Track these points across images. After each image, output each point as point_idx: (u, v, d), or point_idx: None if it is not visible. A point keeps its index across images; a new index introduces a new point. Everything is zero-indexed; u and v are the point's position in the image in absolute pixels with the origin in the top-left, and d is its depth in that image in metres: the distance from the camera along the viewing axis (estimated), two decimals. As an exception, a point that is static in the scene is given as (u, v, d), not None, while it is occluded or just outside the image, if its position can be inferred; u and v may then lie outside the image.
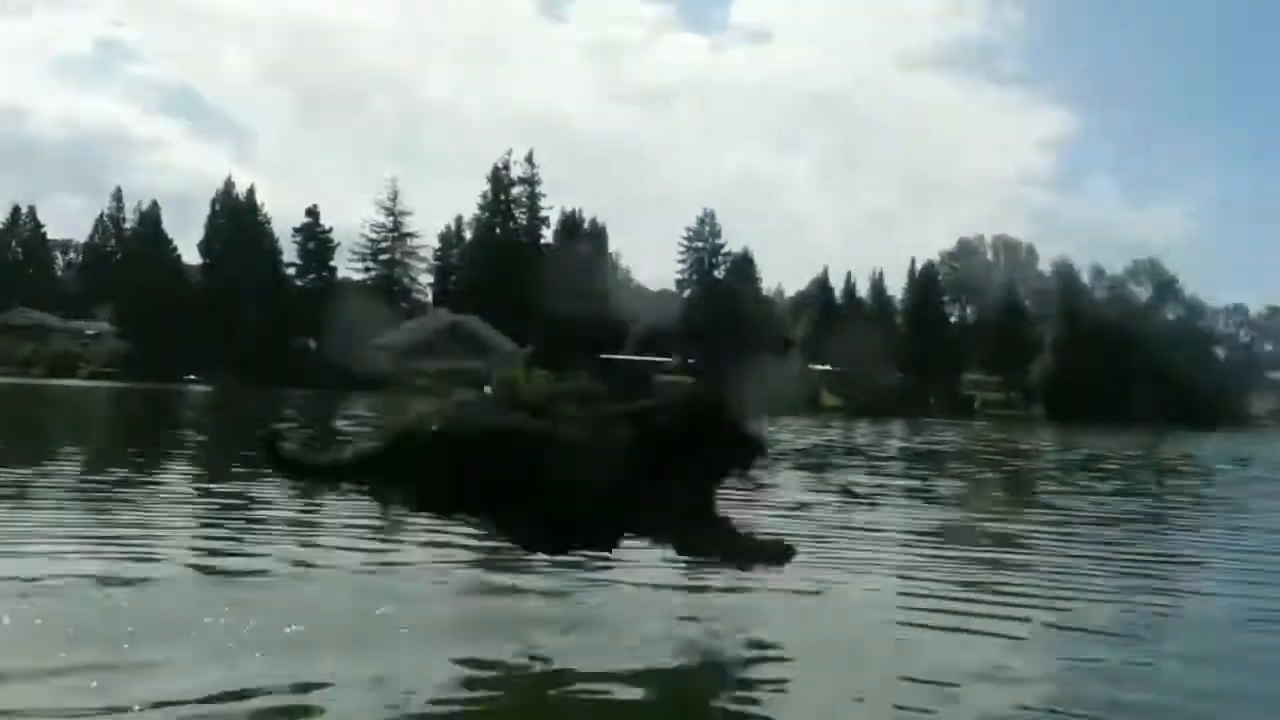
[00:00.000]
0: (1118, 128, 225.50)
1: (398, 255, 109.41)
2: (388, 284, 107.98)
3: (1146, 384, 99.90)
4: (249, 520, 9.39)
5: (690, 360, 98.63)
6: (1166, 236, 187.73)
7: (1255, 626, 6.47)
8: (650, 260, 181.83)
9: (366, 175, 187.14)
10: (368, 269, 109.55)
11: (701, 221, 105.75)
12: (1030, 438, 49.73)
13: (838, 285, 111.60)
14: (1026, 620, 6.28)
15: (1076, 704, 4.72)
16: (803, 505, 12.40)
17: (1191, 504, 18.12)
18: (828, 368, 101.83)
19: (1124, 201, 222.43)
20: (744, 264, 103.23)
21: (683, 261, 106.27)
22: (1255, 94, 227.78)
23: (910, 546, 9.59)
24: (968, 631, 6.20)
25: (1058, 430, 63.91)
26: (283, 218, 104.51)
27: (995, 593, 7.16)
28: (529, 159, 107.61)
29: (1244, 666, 5.50)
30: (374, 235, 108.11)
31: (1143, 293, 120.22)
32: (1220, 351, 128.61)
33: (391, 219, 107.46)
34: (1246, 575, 9.43)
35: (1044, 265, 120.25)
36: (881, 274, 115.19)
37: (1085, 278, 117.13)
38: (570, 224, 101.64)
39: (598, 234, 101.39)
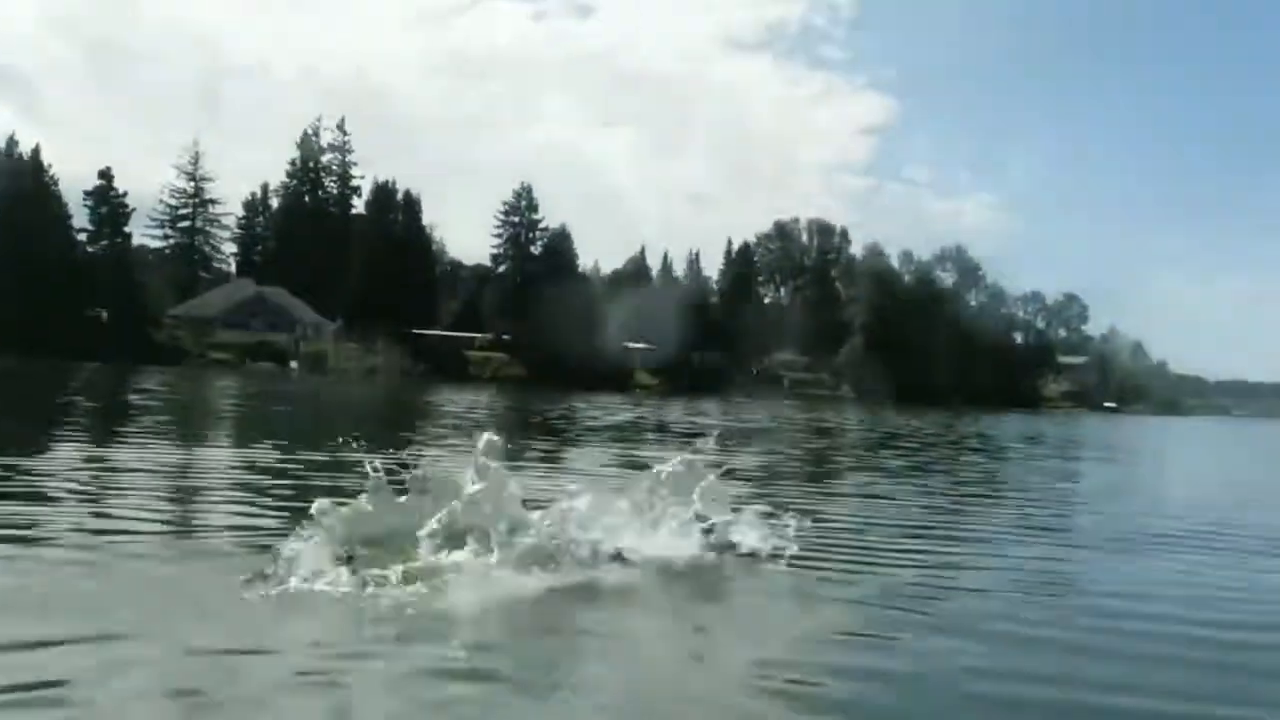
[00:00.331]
0: (934, 117, 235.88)
1: (199, 223, 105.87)
2: (188, 253, 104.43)
3: (949, 366, 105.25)
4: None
5: (505, 336, 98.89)
6: (974, 224, 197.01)
7: (1007, 596, 7.97)
8: (466, 234, 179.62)
9: (165, 137, 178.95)
10: (166, 236, 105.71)
11: (518, 196, 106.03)
12: (836, 416, 52.20)
13: (655, 264, 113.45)
14: (804, 579, 7.70)
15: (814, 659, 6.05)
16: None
17: (979, 478, 20.06)
18: (643, 345, 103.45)
19: (936, 189, 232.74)
20: (561, 240, 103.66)
21: (499, 236, 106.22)
22: (1065, 90, 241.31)
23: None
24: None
25: (864, 410, 67.02)
26: (72, 180, 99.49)
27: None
28: (340, 126, 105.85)
29: (969, 633, 6.66)
30: (173, 201, 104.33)
31: (948, 278, 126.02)
32: (1018, 336, 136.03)
33: (192, 184, 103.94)
34: (1016, 543, 11.20)
35: (856, 249, 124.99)
36: (698, 254, 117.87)
37: (895, 262, 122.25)
38: (383, 195, 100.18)
39: (412, 206, 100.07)
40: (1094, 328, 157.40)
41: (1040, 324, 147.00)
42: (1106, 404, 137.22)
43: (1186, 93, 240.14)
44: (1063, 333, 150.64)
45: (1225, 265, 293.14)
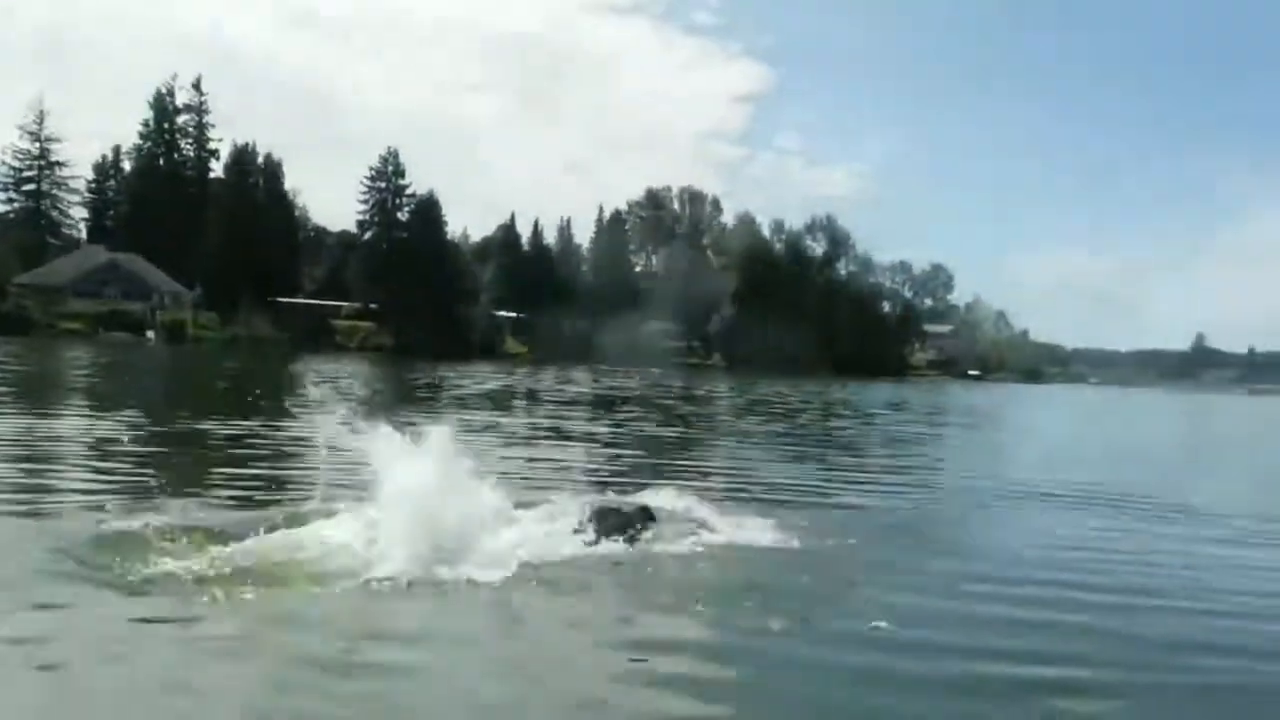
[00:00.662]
0: (808, 85, 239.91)
1: (45, 186, 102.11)
2: (34, 218, 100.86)
3: (819, 335, 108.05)
4: None
5: (372, 305, 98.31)
6: (844, 193, 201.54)
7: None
8: (330, 200, 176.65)
9: (6, 94, 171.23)
10: (10, 200, 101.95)
11: (384, 161, 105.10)
12: (706, 384, 53.82)
13: (525, 231, 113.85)
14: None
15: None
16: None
17: (843, 443, 21.63)
18: (513, 314, 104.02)
19: (808, 158, 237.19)
20: (429, 207, 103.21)
21: (364, 202, 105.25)
22: (934, 61, 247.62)
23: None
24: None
25: (735, 377, 68.96)
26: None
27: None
28: (196, 85, 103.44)
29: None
30: (16, 163, 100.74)
31: (819, 248, 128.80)
32: (886, 305, 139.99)
33: (37, 145, 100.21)
34: (874, 498, 12.31)
35: (728, 218, 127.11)
36: (569, 221, 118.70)
37: (766, 231, 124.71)
38: (242, 158, 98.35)
39: (272, 170, 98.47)
40: (959, 297, 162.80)
41: (907, 293, 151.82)
42: (970, 372, 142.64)
43: (1056, 68, 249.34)
44: (929, 302, 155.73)
45: (1086, 238, 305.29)
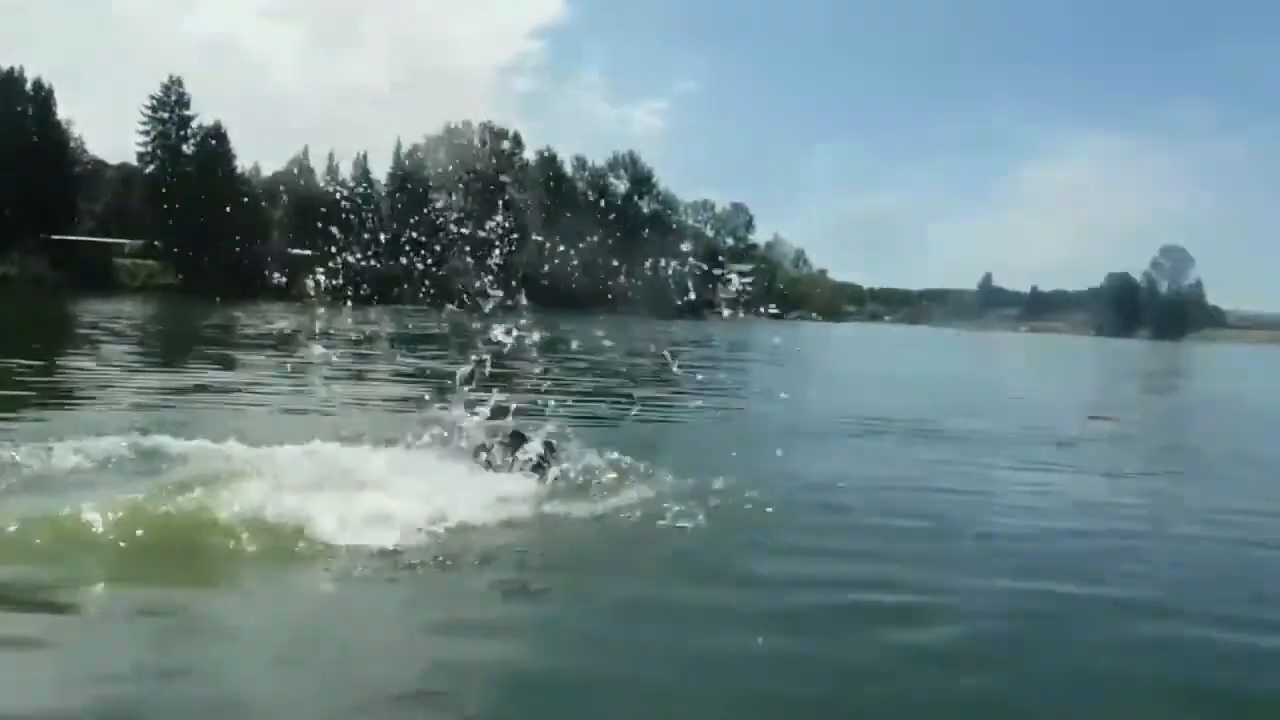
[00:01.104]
0: (607, 21, 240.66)
1: None
2: None
3: (622, 274, 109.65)
4: None
5: (156, 242, 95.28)
6: (645, 131, 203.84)
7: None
8: (107, 131, 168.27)
9: None
10: None
11: (167, 90, 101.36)
12: (507, 322, 54.71)
13: (319, 167, 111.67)
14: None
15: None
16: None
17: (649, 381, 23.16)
18: (308, 252, 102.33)
19: (609, 95, 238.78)
20: (215, 139, 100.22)
21: (145, 134, 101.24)
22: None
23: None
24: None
25: (541, 316, 70.10)
26: None
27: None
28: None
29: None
30: None
31: (622, 185, 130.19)
32: (688, 245, 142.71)
33: None
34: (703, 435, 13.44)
35: (530, 154, 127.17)
36: (366, 156, 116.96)
37: (568, 169, 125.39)
38: (8, 85, 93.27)
39: (43, 97, 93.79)
40: (760, 236, 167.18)
41: (709, 232, 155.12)
42: (771, 311, 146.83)
43: (853, 8, 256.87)
44: (730, 241, 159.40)
45: (882, 178, 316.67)
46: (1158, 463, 12.63)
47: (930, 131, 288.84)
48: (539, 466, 9.34)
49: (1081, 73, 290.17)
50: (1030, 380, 35.21)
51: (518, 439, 9.76)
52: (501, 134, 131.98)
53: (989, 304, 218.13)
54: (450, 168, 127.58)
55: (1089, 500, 9.74)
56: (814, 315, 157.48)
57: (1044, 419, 18.00)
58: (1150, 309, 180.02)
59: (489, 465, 9.42)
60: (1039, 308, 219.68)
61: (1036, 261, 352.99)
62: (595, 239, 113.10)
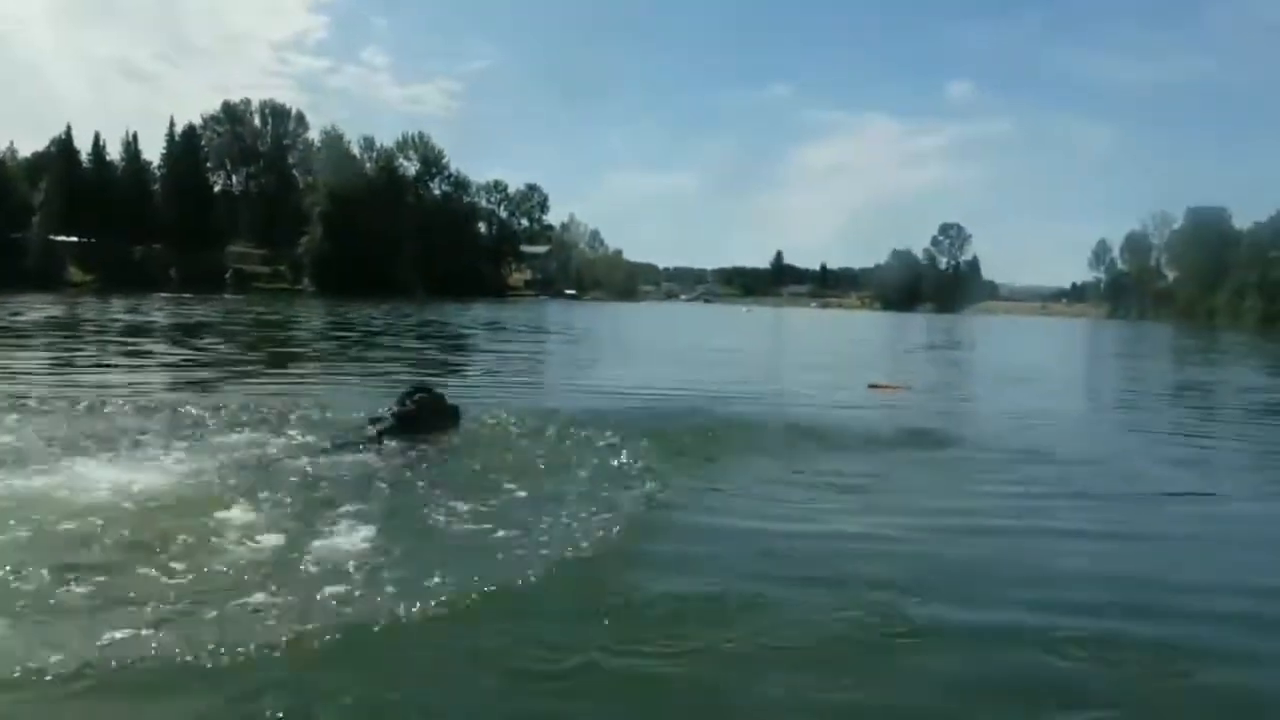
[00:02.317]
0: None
1: None
2: None
3: (413, 256, 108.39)
4: None
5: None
6: (434, 111, 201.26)
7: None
8: None
9: None
10: None
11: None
12: (288, 309, 53.18)
13: (84, 146, 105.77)
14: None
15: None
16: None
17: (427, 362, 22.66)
18: (74, 239, 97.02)
19: (396, 74, 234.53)
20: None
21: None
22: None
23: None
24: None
25: (324, 302, 68.33)
26: None
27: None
28: None
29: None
30: None
31: (411, 166, 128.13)
32: (482, 225, 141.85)
33: None
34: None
35: (314, 134, 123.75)
36: (136, 136, 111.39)
37: (355, 149, 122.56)
38: None
39: None
40: (554, 217, 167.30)
41: (503, 213, 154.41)
42: (567, 291, 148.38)
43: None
44: (524, 223, 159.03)
45: (674, 160, 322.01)
46: (931, 425, 13.06)
47: (719, 113, 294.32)
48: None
49: (857, 56, 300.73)
50: (815, 353, 36.42)
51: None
52: (283, 113, 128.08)
53: (781, 281, 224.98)
54: (229, 149, 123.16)
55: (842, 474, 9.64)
56: (610, 295, 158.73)
57: (826, 388, 18.44)
58: (931, 283, 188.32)
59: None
60: (829, 283, 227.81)
61: (824, 239, 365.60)
62: (385, 222, 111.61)
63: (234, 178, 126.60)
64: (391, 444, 8.99)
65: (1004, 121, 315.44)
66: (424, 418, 9.60)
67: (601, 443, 9.39)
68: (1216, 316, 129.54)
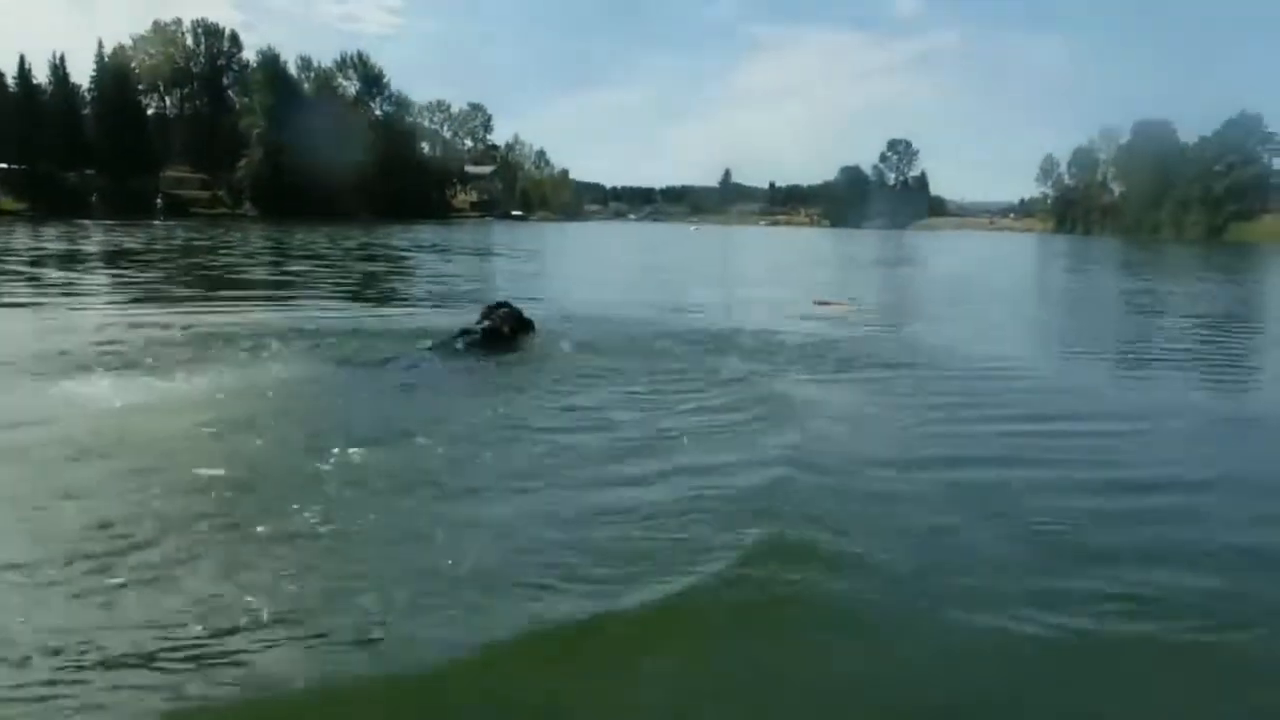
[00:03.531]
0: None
1: None
2: None
3: (357, 179, 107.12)
4: None
5: None
6: (374, 30, 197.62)
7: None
8: None
9: None
10: None
11: None
12: (226, 235, 52.44)
13: (9, 69, 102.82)
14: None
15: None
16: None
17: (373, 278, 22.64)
18: (3, 165, 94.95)
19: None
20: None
21: None
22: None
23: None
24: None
25: (265, 227, 67.49)
26: None
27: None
28: None
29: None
30: None
31: (351, 87, 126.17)
32: (425, 146, 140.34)
33: None
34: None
35: (250, 54, 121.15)
36: (63, 58, 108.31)
37: (293, 70, 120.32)
38: None
39: None
40: (499, 137, 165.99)
41: (446, 134, 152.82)
42: (514, 212, 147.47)
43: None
44: (469, 143, 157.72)
45: (618, 78, 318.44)
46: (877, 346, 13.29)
47: (665, 29, 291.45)
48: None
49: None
50: (763, 269, 36.82)
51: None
52: (217, 32, 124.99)
53: (730, 199, 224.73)
54: (162, 70, 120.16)
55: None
56: (557, 216, 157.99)
57: (771, 305, 18.68)
58: (880, 200, 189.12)
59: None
60: (778, 201, 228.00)
61: (774, 157, 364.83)
62: (326, 143, 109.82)
63: (167, 100, 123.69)
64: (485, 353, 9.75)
65: (951, 35, 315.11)
66: (506, 329, 10.37)
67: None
68: (1162, 230, 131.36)
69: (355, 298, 18.68)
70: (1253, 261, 55.40)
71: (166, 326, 11.71)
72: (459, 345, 9.80)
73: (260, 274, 25.48)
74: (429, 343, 9.98)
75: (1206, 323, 18.80)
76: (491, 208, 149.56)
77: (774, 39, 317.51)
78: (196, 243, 43.22)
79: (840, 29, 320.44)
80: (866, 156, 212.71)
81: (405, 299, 19.26)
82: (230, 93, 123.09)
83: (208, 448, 6.06)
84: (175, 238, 47.35)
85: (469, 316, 10.74)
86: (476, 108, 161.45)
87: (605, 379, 8.93)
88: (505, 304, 10.81)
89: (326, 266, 28.45)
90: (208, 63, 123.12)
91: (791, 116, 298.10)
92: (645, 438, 6.69)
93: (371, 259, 34.26)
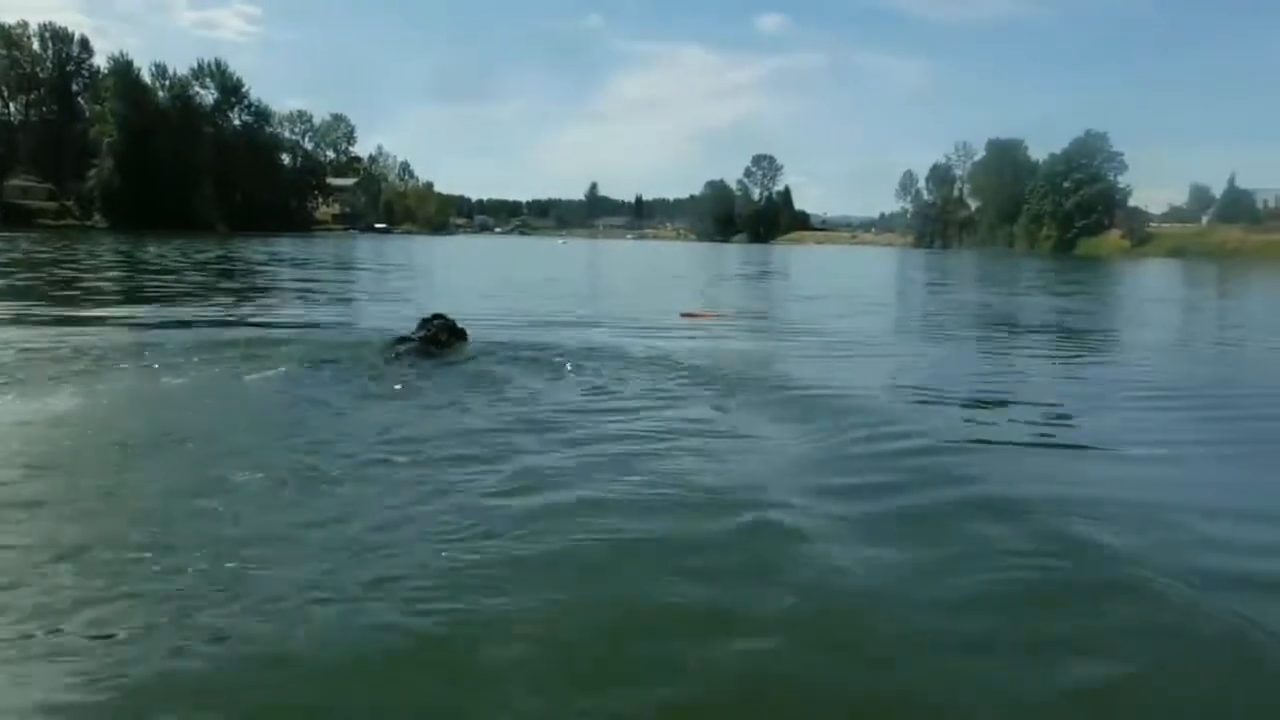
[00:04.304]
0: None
1: None
2: None
3: (214, 190, 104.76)
4: None
5: None
6: (233, 38, 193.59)
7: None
8: None
9: None
10: None
11: None
12: (71, 247, 50.50)
13: None
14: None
15: None
16: None
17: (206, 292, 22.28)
18: None
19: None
20: None
21: None
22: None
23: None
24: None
25: (116, 239, 65.42)
26: None
27: None
28: None
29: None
30: None
31: (209, 95, 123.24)
32: (286, 158, 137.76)
33: None
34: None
35: (101, 60, 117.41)
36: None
37: (147, 77, 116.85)
38: None
39: None
40: (362, 149, 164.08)
41: (308, 144, 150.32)
42: (377, 225, 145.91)
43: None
44: (331, 154, 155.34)
45: (484, 90, 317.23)
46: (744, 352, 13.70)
47: (532, 43, 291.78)
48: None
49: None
50: (630, 283, 37.25)
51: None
52: (65, 37, 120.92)
53: (597, 213, 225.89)
54: (5, 75, 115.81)
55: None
56: (422, 229, 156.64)
57: (636, 317, 18.92)
58: (745, 214, 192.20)
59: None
60: (644, 215, 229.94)
61: (640, 171, 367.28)
62: (181, 154, 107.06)
63: (12, 106, 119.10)
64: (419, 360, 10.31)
65: (817, 55, 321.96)
66: (443, 338, 11.10)
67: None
68: (1015, 243, 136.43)
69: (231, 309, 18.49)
70: (1091, 274, 58.09)
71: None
72: (399, 351, 10.52)
73: (109, 286, 24.86)
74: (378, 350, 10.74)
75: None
76: (355, 220, 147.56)
77: (641, 54, 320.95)
78: (39, 255, 41.63)
79: (708, 46, 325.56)
80: (732, 172, 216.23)
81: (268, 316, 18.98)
82: (80, 100, 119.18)
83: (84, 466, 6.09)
84: (15, 249, 45.51)
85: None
86: (339, 119, 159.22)
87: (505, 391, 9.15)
88: (440, 315, 11.49)
89: (178, 280, 27.88)
90: (56, 68, 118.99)
91: (658, 131, 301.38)
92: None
93: (228, 274, 33.37)
